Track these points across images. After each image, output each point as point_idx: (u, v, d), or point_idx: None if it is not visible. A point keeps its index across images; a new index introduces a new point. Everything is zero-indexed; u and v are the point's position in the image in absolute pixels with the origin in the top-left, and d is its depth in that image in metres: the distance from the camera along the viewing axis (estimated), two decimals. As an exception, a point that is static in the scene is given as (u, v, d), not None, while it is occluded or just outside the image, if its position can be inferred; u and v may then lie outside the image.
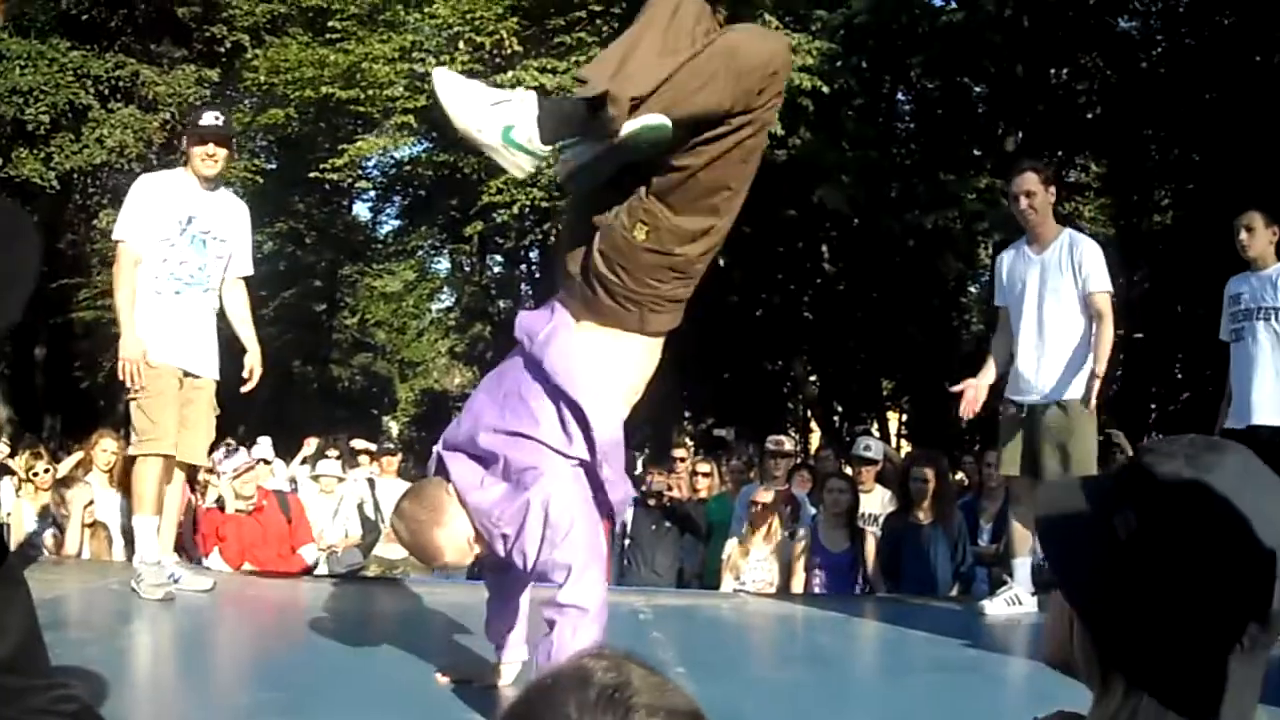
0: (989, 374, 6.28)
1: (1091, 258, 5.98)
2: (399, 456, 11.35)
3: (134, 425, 5.71)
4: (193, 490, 7.65)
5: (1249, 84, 17.74)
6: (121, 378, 5.64)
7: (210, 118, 5.97)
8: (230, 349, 6.10)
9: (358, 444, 11.44)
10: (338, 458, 9.69)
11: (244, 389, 6.10)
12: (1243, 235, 6.53)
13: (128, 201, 5.81)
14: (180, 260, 5.78)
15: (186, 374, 5.79)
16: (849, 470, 8.77)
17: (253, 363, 6.11)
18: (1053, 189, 6.19)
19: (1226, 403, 6.67)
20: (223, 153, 5.94)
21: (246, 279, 6.22)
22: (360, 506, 9.22)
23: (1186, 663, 1.24)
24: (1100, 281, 5.96)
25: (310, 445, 10.17)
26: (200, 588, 5.75)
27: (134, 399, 5.68)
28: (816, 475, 8.74)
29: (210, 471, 7.94)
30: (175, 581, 5.62)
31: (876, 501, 8.19)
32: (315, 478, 9.22)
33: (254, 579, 7.05)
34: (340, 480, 9.26)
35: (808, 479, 8.66)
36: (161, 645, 4.63)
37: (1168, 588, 1.23)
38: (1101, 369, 5.82)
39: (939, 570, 7.44)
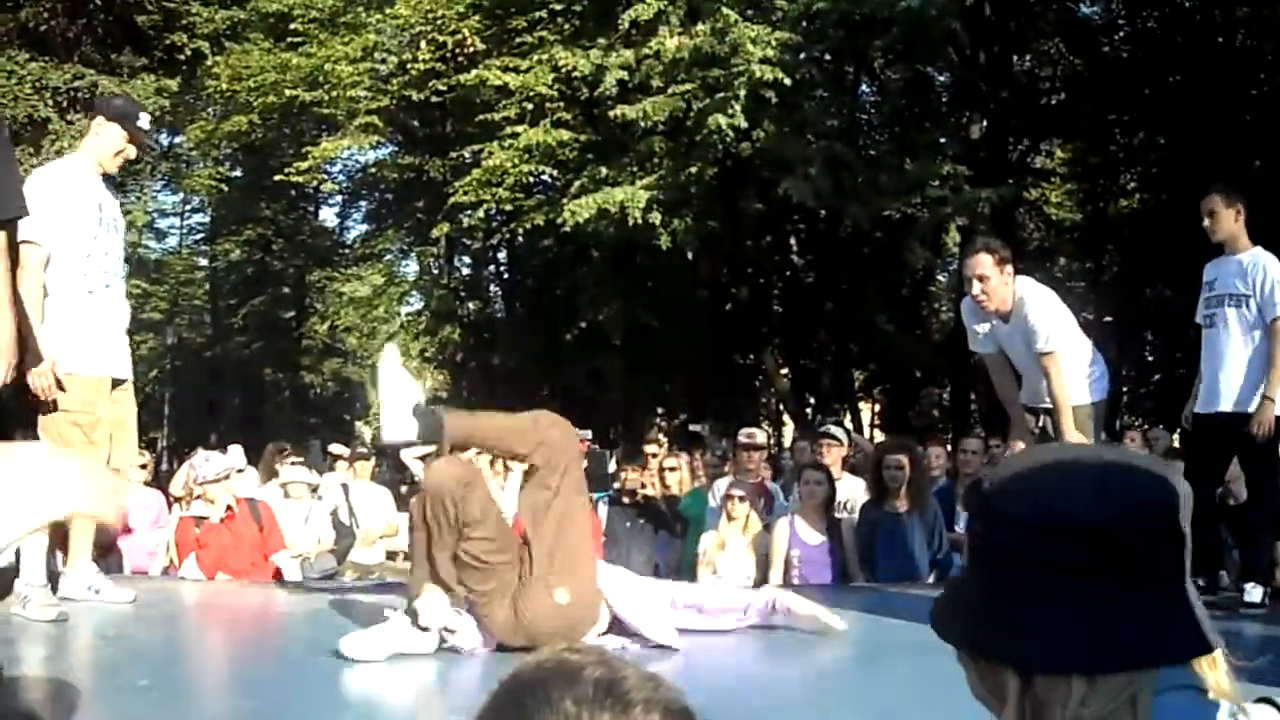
0: (1015, 411, 6.42)
1: (1038, 318, 5.97)
2: (373, 461, 11.26)
3: (53, 442, 4.84)
4: None
5: (1212, 66, 17.84)
6: (39, 391, 4.86)
7: (147, 120, 5.57)
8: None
9: (334, 449, 11.35)
10: (300, 463, 9.51)
11: None
12: (1206, 221, 6.35)
13: (34, 199, 4.80)
14: (105, 251, 5.29)
15: (115, 381, 5.30)
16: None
17: None
18: (1009, 268, 6.03)
19: (1197, 385, 6.65)
20: None
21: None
22: (334, 512, 9.14)
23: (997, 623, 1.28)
24: (1046, 341, 5.96)
25: (266, 454, 9.96)
26: (122, 600, 5.35)
27: (59, 413, 4.99)
28: (777, 466, 8.77)
29: (202, 484, 7.77)
30: (96, 593, 5.29)
31: (852, 490, 8.17)
32: (284, 485, 9.11)
33: (227, 586, 6.99)
34: (312, 487, 9.16)
35: (767, 469, 8.73)
36: (134, 655, 4.57)
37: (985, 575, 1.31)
38: (1066, 417, 5.91)
39: (916, 558, 7.43)
